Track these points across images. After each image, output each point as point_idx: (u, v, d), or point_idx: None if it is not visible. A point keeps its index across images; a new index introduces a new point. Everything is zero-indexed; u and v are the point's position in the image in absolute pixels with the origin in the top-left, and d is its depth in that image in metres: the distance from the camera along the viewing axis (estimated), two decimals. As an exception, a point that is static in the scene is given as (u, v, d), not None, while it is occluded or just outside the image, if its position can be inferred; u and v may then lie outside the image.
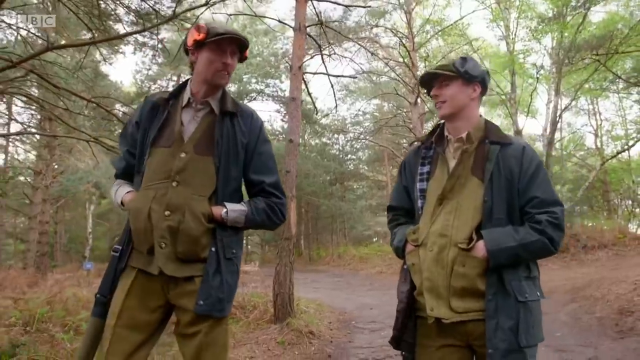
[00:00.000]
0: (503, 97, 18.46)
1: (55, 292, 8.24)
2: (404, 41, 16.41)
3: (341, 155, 29.23)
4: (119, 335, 2.09)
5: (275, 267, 7.61)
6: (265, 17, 11.93)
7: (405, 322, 2.12)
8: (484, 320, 1.93)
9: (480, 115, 2.22)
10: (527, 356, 1.93)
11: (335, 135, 28.24)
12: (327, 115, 23.08)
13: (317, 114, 17.99)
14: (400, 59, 17.22)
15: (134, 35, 13.45)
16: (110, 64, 23.69)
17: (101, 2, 9.10)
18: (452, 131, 2.18)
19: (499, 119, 24.63)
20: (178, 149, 2.20)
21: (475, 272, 1.95)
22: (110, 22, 10.72)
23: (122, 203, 2.27)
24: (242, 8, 14.35)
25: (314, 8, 8.23)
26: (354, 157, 30.72)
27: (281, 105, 26.10)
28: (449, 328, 2.00)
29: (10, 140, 21.39)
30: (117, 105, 14.33)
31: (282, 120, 27.75)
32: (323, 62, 8.15)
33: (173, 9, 6.57)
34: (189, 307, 2.12)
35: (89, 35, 15.10)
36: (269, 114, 42.07)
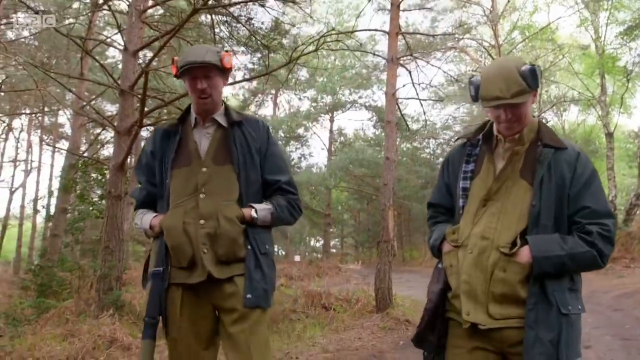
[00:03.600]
0: (593, 100, 18.57)
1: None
2: (490, 50, 17.15)
3: (432, 159, 29.91)
4: (186, 346, 2.31)
5: (376, 266, 8.90)
6: (364, 51, 13.22)
7: (431, 322, 2.09)
8: (521, 329, 1.86)
9: (534, 116, 2.11)
10: None
11: (426, 140, 28.99)
12: (418, 126, 23.91)
13: (408, 131, 19.03)
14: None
15: (245, 62, 15.27)
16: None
17: (218, 42, 10.80)
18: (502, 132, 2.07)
19: (591, 118, 24.41)
20: (198, 165, 2.35)
21: (517, 278, 1.88)
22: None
23: (150, 227, 2.37)
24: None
25: (405, 39, 9.42)
26: (444, 160, 31.19)
27: (373, 113, 27.35)
28: (483, 333, 1.93)
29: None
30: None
31: (374, 127, 28.95)
32: (414, 87, 9.34)
33: (289, 56, 7.97)
34: (234, 307, 2.27)
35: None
36: (361, 122, 43.54)
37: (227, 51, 2.37)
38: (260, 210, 2.35)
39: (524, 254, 1.87)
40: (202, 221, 2.25)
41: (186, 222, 2.26)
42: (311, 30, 20.91)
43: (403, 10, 9.46)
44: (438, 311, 2.08)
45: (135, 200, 2.58)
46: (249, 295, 2.25)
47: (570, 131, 26.62)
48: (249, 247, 2.30)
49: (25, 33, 16.43)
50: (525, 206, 1.93)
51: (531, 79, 1.89)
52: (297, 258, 25.40)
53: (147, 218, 2.41)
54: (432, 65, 12.87)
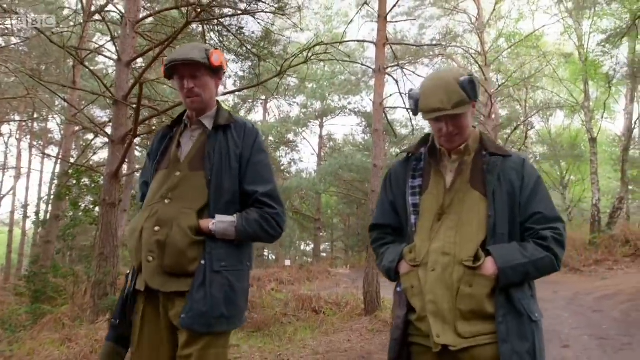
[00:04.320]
0: (577, 106, 19.01)
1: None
2: (476, 58, 17.52)
3: (420, 164, 30.22)
4: (143, 358, 2.17)
5: (364, 270, 9.15)
6: (353, 61, 13.51)
7: (402, 350, 1.98)
8: (492, 344, 1.82)
9: (474, 126, 2.09)
10: None
11: (414, 145, 29.35)
12: (407, 131, 24.21)
13: (396, 137, 19.33)
14: (474, 73, 18.35)
15: (235, 70, 15.49)
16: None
17: (207, 44, 10.99)
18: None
19: (577, 123, 24.88)
20: (174, 169, 2.24)
21: (484, 292, 1.82)
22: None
23: None
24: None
25: (392, 49, 9.69)
26: (432, 165, 31.63)
27: (362, 119, 27.65)
28: (453, 355, 1.85)
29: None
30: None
31: (363, 132, 29.26)
32: (401, 96, 9.60)
33: (280, 67, 8.21)
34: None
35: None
36: (350, 127, 43.87)
37: (217, 49, 2.27)
38: (220, 222, 2.13)
39: (489, 266, 1.83)
40: (156, 228, 2.12)
41: (144, 227, 2.15)
42: (301, 37, 21.22)
43: (390, 22, 9.76)
44: (406, 338, 1.99)
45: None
46: (183, 315, 2.06)
47: (556, 135, 27.12)
48: (202, 262, 2.10)
49: (14, 40, 16.58)
50: (482, 217, 1.91)
51: (470, 89, 1.90)
52: (287, 262, 25.54)
53: None
54: (419, 76, 13.23)
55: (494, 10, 18.15)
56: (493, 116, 17.53)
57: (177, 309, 2.10)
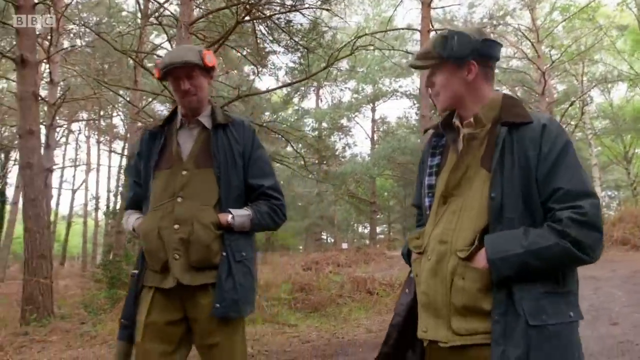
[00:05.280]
0: (636, 78, 18.35)
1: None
2: (527, 34, 17.21)
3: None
4: (146, 350, 2.20)
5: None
6: (397, 49, 13.61)
7: (401, 340, 1.81)
8: (489, 345, 1.54)
9: (497, 90, 1.80)
10: None
11: (467, 125, 29.01)
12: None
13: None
14: (527, 50, 18.01)
15: (286, 61, 15.98)
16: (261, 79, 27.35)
17: (260, 44, 11.48)
18: (461, 116, 1.79)
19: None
20: (179, 168, 2.31)
21: (476, 286, 1.57)
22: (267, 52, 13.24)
23: (133, 229, 2.37)
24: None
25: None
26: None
27: (415, 101, 27.60)
28: (456, 354, 1.60)
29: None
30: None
31: (416, 114, 29.16)
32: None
33: (327, 59, 8.56)
34: (205, 317, 2.20)
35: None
36: (403, 109, 43.45)
37: (209, 49, 2.39)
38: (238, 216, 2.28)
39: (481, 257, 1.56)
40: (176, 226, 2.22)
41: (161, 226, 2.23)
42: (349, 23, 21.38)
43: (433, 8, 9.87)
44: (408, 326, 1.78)
45: (125, 200, 2.60)
46: (217, 305, 2.18)
47: (618, 109, 26.15)
48: (224, 254, 2.23)
49: (79, 42, 17.69)
50: (485, 199, 1.61)
51: (438, 44, 1.67)
52: (344, 245, 25.99)
53: (131, 220, 2.43)
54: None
55: (546, -16, 17.75)
56: (547, 92, 17.22)
57: (195, 302, 2.23)
